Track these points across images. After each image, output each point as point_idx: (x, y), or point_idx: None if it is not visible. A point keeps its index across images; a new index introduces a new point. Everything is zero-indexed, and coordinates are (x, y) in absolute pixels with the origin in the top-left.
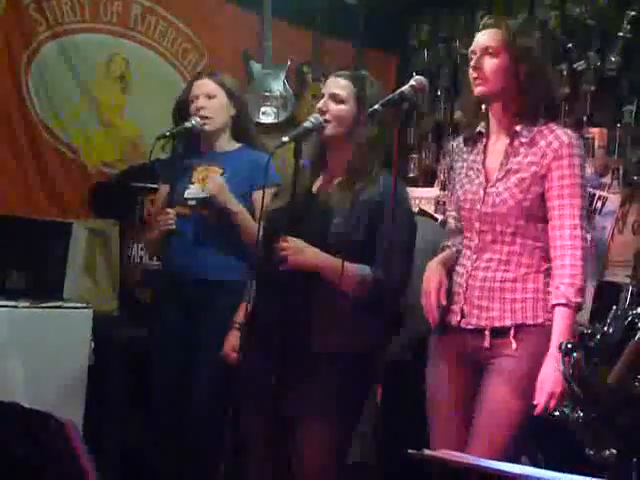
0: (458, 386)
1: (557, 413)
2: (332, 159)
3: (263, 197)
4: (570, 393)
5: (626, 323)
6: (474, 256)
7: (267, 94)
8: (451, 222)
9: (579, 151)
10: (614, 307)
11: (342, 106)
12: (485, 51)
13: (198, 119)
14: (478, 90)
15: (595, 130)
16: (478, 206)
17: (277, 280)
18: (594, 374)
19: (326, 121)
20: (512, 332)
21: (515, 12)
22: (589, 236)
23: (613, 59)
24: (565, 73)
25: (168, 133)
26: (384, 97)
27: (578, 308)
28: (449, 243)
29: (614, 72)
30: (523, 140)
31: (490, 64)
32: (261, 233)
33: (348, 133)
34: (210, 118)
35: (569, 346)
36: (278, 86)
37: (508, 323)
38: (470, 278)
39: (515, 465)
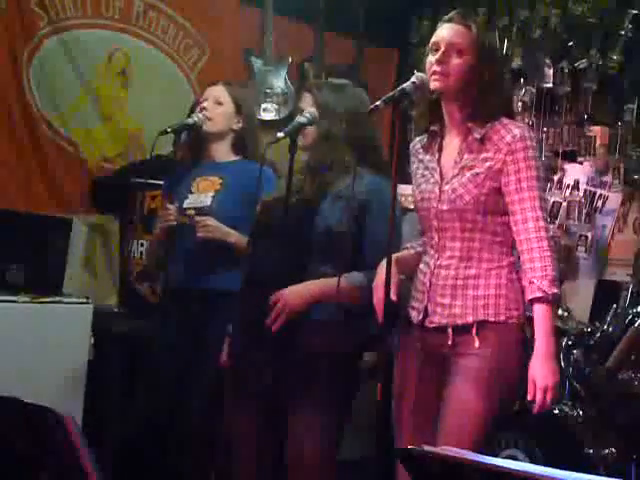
0: (422, 385)
1: (557, 411)
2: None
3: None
4: (570, 391)
5: (626, 322)
6: (436, 255)
7: (268, 91)
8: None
9: (532, 143)
10: (614, 306)
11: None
12: (451, 47)
13: (200, 115)
14: (437, 85)
15: (596, 128)
16: (435, 204)
17: (264, 281)
18: (594, 372)
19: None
20: (474, 329)
21: (516, 9)
22: (552, 227)
23: (614, 57)
24: (566, 71)
25: (170, 129)
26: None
27: (555, 300)
28: (408, 245)
29: (615, 70)
30: (477, 136)
31: (456, 62)
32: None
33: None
34: (211, 119)
35: (569, 344)
36: (279, 83)
37: (470, 320)
38: (433, 277)
39: (514, 462)
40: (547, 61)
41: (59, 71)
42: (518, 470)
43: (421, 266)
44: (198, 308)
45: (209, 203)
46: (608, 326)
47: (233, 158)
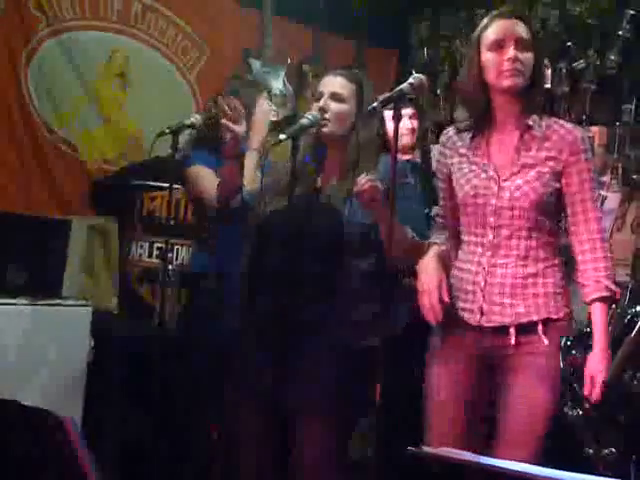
0: (467, 387)
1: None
2: (330, 158)
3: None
4: (570, 391)
5: (625, 321)
6: (489, 252)
7: (267, 92)
8: (438, 219)
9: (590, 146)
10: (613, 305)
11: (343, 105)
12: (519, 42)
13: (198, 116)
14: (514, 81)
15: (594, 129)
16: (493, 201)
17: (274, 275)
18: None
19: (326, 119)
20: (540, 327)
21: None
22: None
23: (613, 58)
24: (565, 72)
25: (168, 130)
26: (379, 96)
27: (614, 299)
28: (436, 240)
29: (614, 71)
30: (535, 134)
31: (528, 56)
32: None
33: (347, 132)
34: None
35: (568, 344)
36: (278, 84)
37: (535, 318)
38: (488, 275)
39: (515, 463)
40: (545, 62)
41: (58, 73)
42: (518, 471)
43: (462, 265)
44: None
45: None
46: (607, 326)
47: None
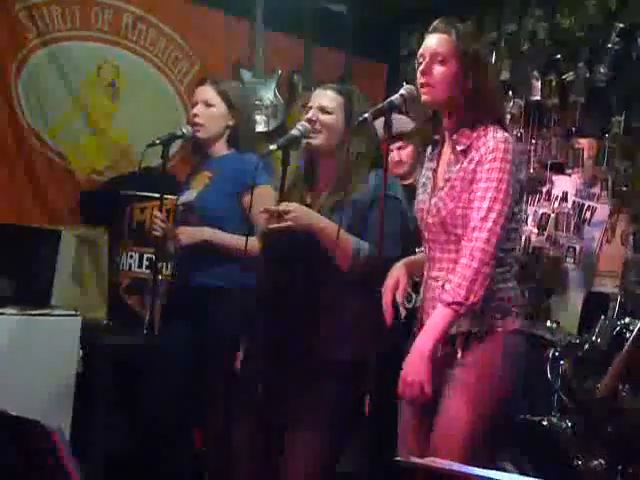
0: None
1: (545, 423)
2: (321, 172)
3: (252, 199)
4: (558, 403)
5: (614, 333)
6: (428, 266)
7: (257, 103)
8: None
9: (503, 154)
10: (602, 317)
11: (330, 116)
12: (434, 57)
13: (189, 127)
14: (424, 98)
15: (584, 141)
16: (425, 216)
17: (278, 290)
18: (582, 384)
19: (315, 131)
20: (458, 341)
21: (504, 23)
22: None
23: (602, 70)
24: (554, 84)
25: (158, 141)
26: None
27: (463, 309)
28: (419, 249)
29: (603, 83)
30: (460, 148)
31: (439, 71)
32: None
33: (336, 145)
34: (203, 125)
35: (557, 355)
36: (269, 95)
37: (453, 331)
38: (426, 288)
39: (504, 474)
40: (535, 74)
41: (48, 83)
42: None
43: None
44: (199, 303)
45: (193, 198)
46: (596, 337)
47: (225, 152)
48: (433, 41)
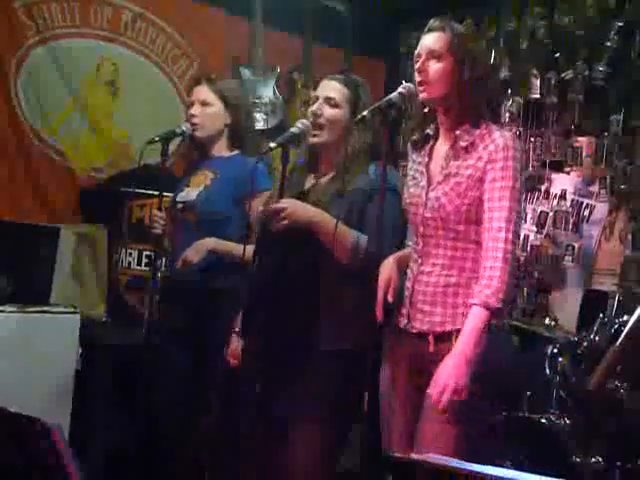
0: (408, 388)
1: (543, 420)
2: (323, 162)
3: (251, 202)
4: (557, 400)
5: (612, 331)
6: (419, 260)
7: (257, 100)
8: None
9: (514, 153)
10: (601, 315)
11: (337, 110)
12: (430, 55)
13: (188, 125)
14: (422, 95)
15: (583, 139)
16: (421, 210)
17: (274, 281)
18: (581, 382)
19: (318, 127)
20: (453, 338)
21: (503, 21)
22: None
23: (601, 69)
24: (553, 82)
25: (157, 138)
26: (374, 103)
27: (496, 313)
28: (409, 243)
29: (602, 82)
30: (463, 144)
31: (434, 68)
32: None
33: (339, 138)
34: (200, 125)
35: (555, 353)
36: (268, 92)
37: (449, 328)
38: (415, 282)
39: (502, 469)
40: (534, 72)
41: (47, 81)
42: (505, 478)
43: (407, 270)
44: (197, 302)
45: (194, 198)
46: (595, 335)
47: (229, 153)
48: (429, 39)
